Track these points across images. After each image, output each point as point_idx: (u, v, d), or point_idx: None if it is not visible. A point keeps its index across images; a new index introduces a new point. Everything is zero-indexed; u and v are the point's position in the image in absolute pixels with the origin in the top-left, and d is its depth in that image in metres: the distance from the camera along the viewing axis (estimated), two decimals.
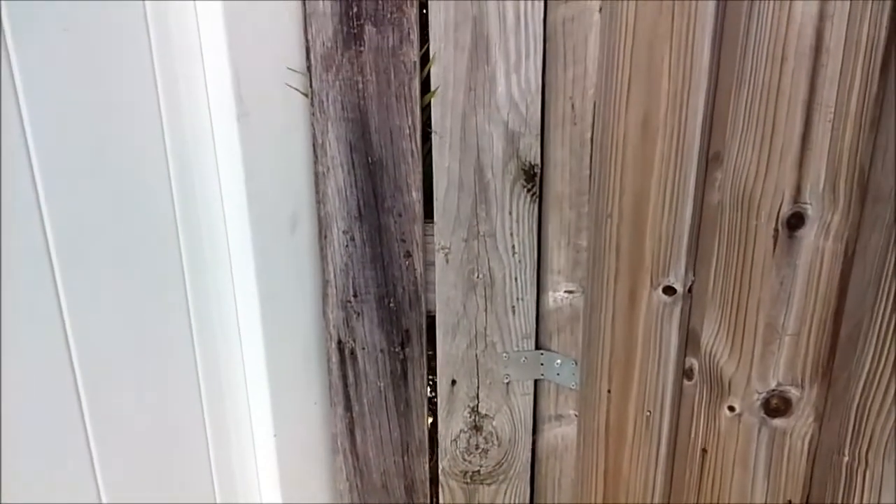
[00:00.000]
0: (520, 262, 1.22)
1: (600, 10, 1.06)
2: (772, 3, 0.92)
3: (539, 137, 1.15)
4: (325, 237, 1.22)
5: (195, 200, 1.09)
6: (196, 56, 1.05)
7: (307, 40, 1.13)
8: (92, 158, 0.93)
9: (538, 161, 1.16)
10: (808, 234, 0.99)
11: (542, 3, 1.08)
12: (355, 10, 1.10)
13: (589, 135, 1.13)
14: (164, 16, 1.00)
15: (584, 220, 1.17)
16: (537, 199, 1.18)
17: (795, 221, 0.98)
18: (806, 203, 0.98)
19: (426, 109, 1.16)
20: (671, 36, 1.00)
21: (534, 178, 1.17)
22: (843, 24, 0.89)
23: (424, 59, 1.13)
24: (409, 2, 1.10)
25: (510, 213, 1.19)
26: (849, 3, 0.88)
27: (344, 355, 1.30)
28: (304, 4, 1.11)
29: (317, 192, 1.20)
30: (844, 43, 0.89)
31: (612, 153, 1.09)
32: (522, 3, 1.08)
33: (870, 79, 0.90)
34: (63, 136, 0.88)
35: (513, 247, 1.21)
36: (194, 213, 1.10)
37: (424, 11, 1.11)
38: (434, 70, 1.13)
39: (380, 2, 1.10)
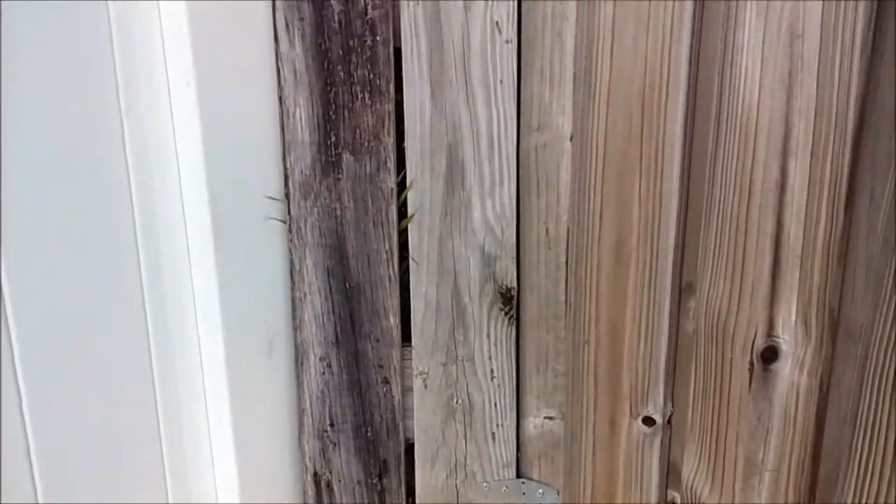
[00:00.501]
0: (499, 386, 1.20)
1: (571, 137, 1.07)
2: (736, 139, 0.93)
3: (515, 260, 1.15)
4: (302, 364, 1.21)
5: (169, 325, 1.09)
6: (174, 181, 1.06)
7: (286, 168, 1.14)
8: (65, 298, 0.92)
9: (514, 284, 1.16)
10: (783, 368, 0.97)
11: (514, 131, 1.10)
12: (333, 139, 1.12)
13: (564, 259, 1.13)
14: (144, 144, 1.01)
15: (562, 343, 1.16)
16: (514, 323, 1.17)
17: (770, 355, 0.97)
18: (779, 337, 0.96)
19: (403, 234, 1.16)
20: (641, 163, 1.01)
21: (511, 302, 1.16)
22: (807, 161, 0.89)
23: (401, 185, 1.14)
24: (385, 130, 1.11)
25: (488, 337, 1.18)
26: (811, 139, 0.89)
27: (320, 488, 1.26)
28: (283, 133, 1.13)
29: (294, 317, 1.20)
30: (809, 179, 0.89)
31: (586, 280, 1.09)
32: (496, 130, 1.10)
33: (835, 214, 0.89)
34: (32, 248, 0.87)
35: (491, 371, 1.19)
36: (168, 338, 1.09)
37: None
38: (411, 196, 1.14)
39: (358, 131, 1.11)
